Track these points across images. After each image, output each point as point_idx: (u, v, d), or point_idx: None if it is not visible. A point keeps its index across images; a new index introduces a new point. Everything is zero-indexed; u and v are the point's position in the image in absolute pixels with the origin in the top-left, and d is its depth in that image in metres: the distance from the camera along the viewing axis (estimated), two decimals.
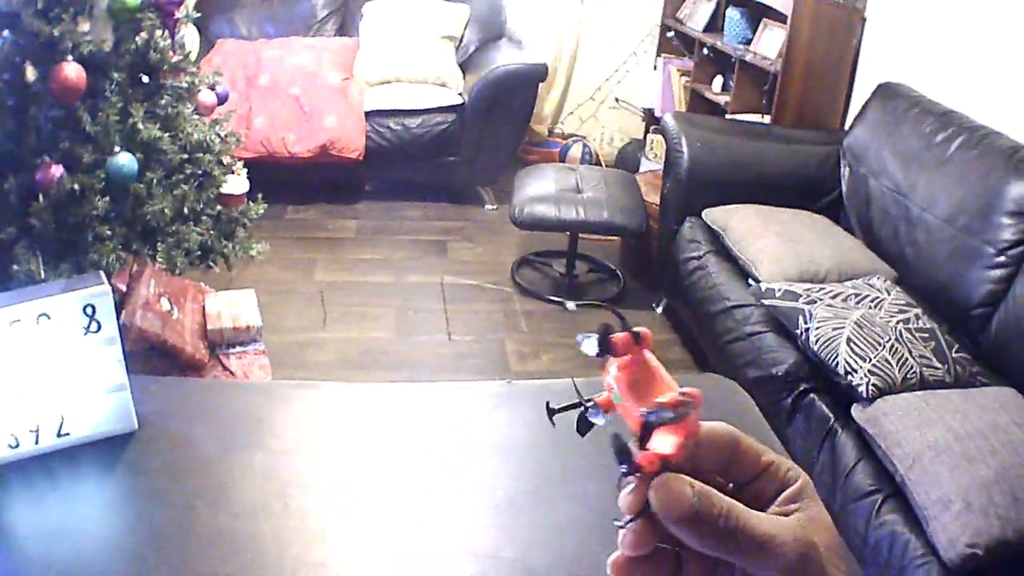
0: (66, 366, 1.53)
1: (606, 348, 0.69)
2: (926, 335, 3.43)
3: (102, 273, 1.60)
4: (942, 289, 3.93)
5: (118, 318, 2.96)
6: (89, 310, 1.51)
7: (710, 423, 0.70)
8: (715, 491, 0.66)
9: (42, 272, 3.02)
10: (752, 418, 1.89)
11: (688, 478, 0.66)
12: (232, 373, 3.44)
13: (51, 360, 1.51)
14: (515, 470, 1.67)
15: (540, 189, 5.33)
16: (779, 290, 3.75)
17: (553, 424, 0.77)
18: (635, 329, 0.70)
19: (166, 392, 1.82)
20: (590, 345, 0.69)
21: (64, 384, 1.53)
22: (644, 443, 0.66)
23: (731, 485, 0.71)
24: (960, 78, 4.45)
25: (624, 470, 0.67)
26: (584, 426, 0.75)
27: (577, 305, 5.29)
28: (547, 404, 0.77)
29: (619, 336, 0.69)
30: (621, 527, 0.67)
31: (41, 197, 3.05)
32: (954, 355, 3.37)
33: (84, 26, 3.11)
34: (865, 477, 3.03)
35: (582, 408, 0.74)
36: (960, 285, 3.85)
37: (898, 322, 3.46)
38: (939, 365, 3.30)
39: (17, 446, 1.52)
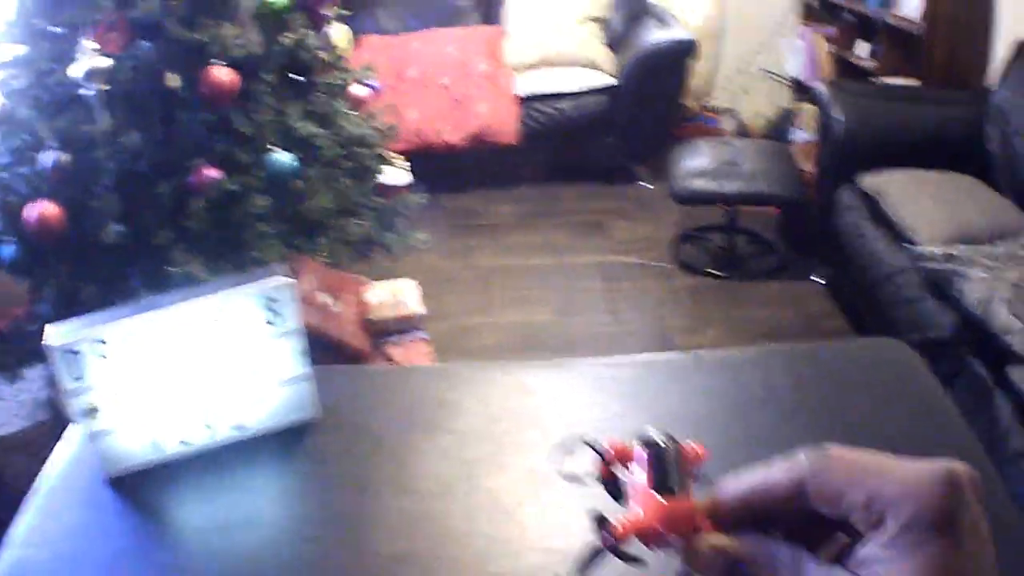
0: (245, 359, 1.54)
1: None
2: None
3: (283, 265, 1.61)
4: None
5: None
6: (270, 303, 1.52)
7: (770, 474, 0.65)
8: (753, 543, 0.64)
9: (202, 273, 3.07)
10: (923, 381, 1.85)
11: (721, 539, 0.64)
12: (395, 362, 3.47)
13: (229, 355, 1.53)
14: (703, 440, 1.66)
15: (698, 164, 5.30)
16: (938, 253, 3.69)
17: None
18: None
19: (345, 380, 1.83)
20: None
21: (243, 377, 1.55)
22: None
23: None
24: None
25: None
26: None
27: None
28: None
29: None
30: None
31: (197, 200, 3.10)
32: None
33: (230, 30, 3.15)
34: (1021, 439, 2.97)
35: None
36: None
37: None
38: None
39: (190, 442, 1.54)
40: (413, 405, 1.71)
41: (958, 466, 0.58)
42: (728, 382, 1.82)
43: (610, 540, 0.67)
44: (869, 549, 0.58)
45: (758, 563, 0.63)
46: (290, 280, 1.52)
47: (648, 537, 0.66)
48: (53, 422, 3.49)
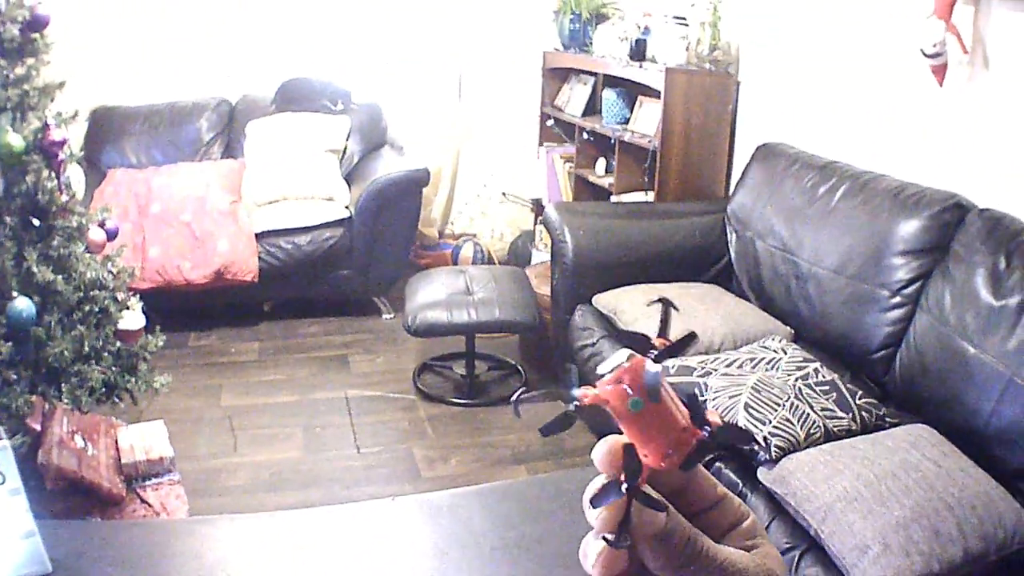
0: None
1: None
2: (826, 387, 3.47)
3: (0, 428, 1.63)
4: (840, 339, 4.01)
5: (35, 458, 2.98)
6: None
7: None
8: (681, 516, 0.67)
9: None
10: None
11: (662, 498, 0.66)
12: (150, 505, 3.45)
13: None
14: None
15: (431, 296, 5.37)
16: (673, 367, 3.74)
17: (518, 415, 0.79)
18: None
19: (77, 535, 1.85)
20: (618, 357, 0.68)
21: None
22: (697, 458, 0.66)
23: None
24: (837, 128, 4.60)
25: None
26: (561, 424, 0.71)
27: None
28: (513, 395, 0.76)
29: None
30: (612, 544, 0.65)
31: None
32: (858, 402, 3.42)
33: None
34: (781, 535, 3.02)
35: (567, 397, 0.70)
36: (858, 332, 3.93)
37: (796, 379, 3.51)
38: (843, 415, 3.34)
39: None
40: (140, 560, 1.74)
41: None
42: (427, 525, 1.88)
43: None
44: None
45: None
46: (7, 442, 1.54)
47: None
48: None
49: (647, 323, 4.19)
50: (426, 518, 1.93)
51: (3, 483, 1.56)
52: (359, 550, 1.81)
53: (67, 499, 3.14)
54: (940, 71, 3.84)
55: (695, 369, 3.70)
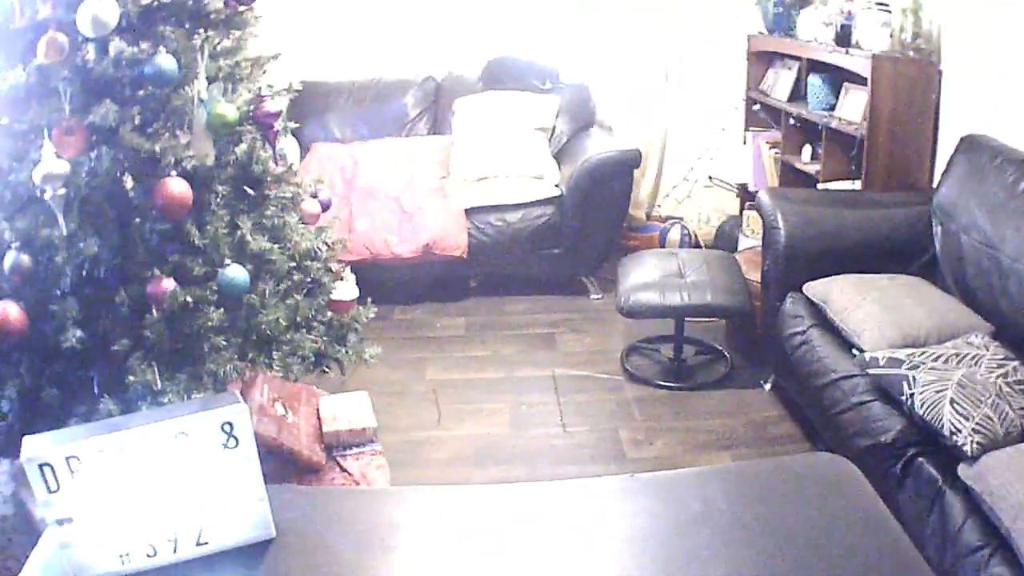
0: (205, 480, 1.55)
1: None
2: None
3: (238, 393, 1.62)
4: None
5: None
6: (227, 427, 1.53)
7: None
8: None
9: (159, 382, 3.05)
10: (863, 495, 1.87)
11: None
12: (350, 474, 3.46)
13: (190, 474, 1.53)
14: (643, 561, 1.66)
15: (643, 277, 5.33)
16: (883, 358, 3.71)
17: None
18: None
19: (300, 500, 1.84)
20: None
21: (203, 496, 1.55)
22: None
23: None
24: None
25: None
26: None
27: None
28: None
29: None
30: None
31: (154, 310, 3.09)
32: None
33: (184, 139, 3.16)
34: (973, 533, 2.98)
35: None
36: None
37: (998, 377, 3.45)
38: None
39: (155, 555, 1.53)
40: (365, 526, 1.72)
41: None
42: (667, 502, 1.84)
43: None
44: None
45: None
46: (244, 406, 1.53)
47: None
48: (17, 518, 3.42)
49: (858, 314, 4.15)
50: (666, 493, 1.88)
51: (236, 447, 1.56)
52: (594, 525, 1.77)
53: (266, 465, 3.16)
54: None
55: (904, 361, 3.64)
